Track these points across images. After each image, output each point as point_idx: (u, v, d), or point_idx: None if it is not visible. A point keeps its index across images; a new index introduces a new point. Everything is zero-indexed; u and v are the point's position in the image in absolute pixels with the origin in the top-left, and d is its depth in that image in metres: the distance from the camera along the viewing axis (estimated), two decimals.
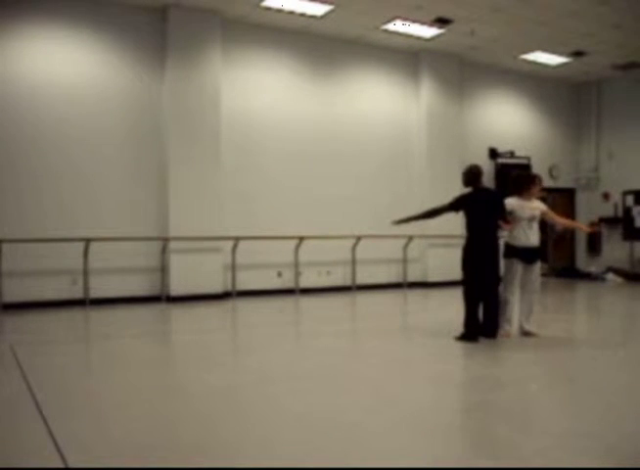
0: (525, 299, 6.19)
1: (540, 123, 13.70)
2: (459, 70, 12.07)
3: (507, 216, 6.05)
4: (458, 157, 11.71)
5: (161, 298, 9.29)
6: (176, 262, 9.31)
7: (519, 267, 6.09)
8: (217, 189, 9.63)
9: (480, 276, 5.99)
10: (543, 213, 6.28)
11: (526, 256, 6.09)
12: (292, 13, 9.62)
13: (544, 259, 14.39)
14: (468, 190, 6.23)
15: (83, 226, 8.79)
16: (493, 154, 12.76)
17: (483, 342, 5.90)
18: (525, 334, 6.18)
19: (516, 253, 6.08)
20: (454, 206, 6.14)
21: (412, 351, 5.76)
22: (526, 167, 12.54)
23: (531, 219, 6.10)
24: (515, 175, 6.41)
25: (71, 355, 5.57)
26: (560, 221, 6.62)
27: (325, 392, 4.16)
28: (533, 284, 6.19)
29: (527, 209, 6.11)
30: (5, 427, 3.44)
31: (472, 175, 6.13)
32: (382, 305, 9.44)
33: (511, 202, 6.12)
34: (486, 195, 6.13)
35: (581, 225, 6.73)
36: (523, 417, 3.66)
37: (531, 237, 6.10)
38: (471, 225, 6.06)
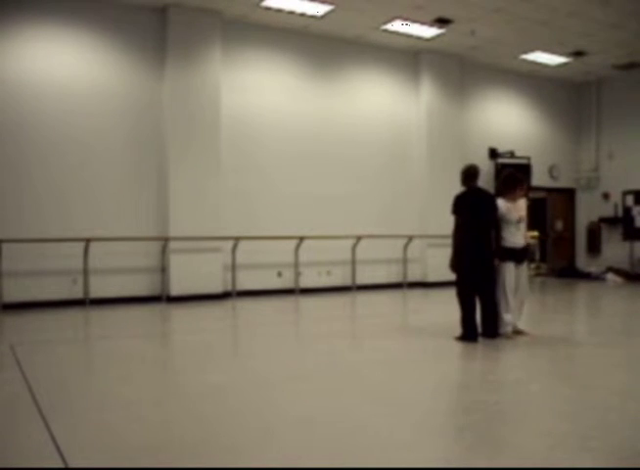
0: (517, 298, 6.20)
1: (540, 123, 13.71)
2: (459, 70, 12.07)
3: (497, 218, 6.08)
4: (458, 157, 11.70)
5: (161, 298, 9.30)
6: (176, 262, 9.31)
7: (512, 268, 6.11)
8: (217, 189, 9.63)
9: (472, 276, 6.00)
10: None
11: (516, 256, 6.13)
12: (292, 13, 9.62)
13: (543, 259, 14.43)
14: (462, 190, 6.26)
15: (83, 226, 8.80)
16: (493, 154, 12.76)
17: (483, 342, 5.90)
18: (518, 333, 6.19)
19: (508, 254, 6.09)
20: (454, 211, 6.15)
21: (412, 351, 5.76)
22: (526, 167, 12.54)
23: (519, 221, 6.16)
24: (506, 174, 6.39)
25: (71, 355, 5.57)
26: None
27: (324, 392, 4.16)
28: (523, 283, 6.22)
29: (515, 211, 6.14)
30: (5, 427, 3.44)
31: (464, 175, 6.19)
32: (382, 306, 9.44)
33: (500, 205, 6.12)
34: (477, 195, 6.12)
35: (529, 237, 6.81)
36: (522, 417, 3.65)
37: (519, 238, 6.16)
38: (460, 225, 6.06)
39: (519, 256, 6.15)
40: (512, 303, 6.10)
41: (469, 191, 6.13)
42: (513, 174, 6.37)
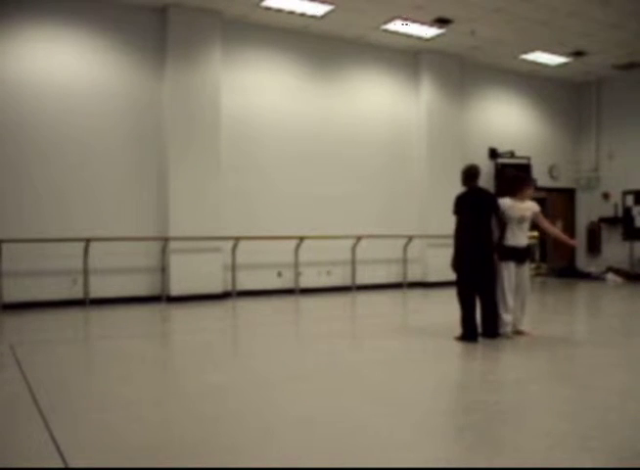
0: (518, 298, 6.19)
1: (540, 123, 13.71)
2: (459, 70, 12.07)
3: (501, 217, 6.07)
4: (458, 157, 11.70)
5: (161, 298, 9.30)
6: (176, 262, 9.31)
7: (511, 267, 6.10)
8: (217, 189, 9.63)
9: (472, 276, 6.00)
10: (535, 215, 6.30)
11: (516, 256, 6.10)
12: (292, 13, 9.62)
13: (543, 259, 14.42)
14: (463, 190, 6.25)
15: (83, 226, 8.80)
16: (493, 154, 12.76)
17: (483, 342, 5.90)
18: (518, 333, 6.19)
19: (507, 253, 6.08)
20: (455, 212, 6.15)
21: (412, 351, 5.76)
22: (527, 167, 12.55)
23: (521, 220, 6.13)
24: (510, 176, 6.44)
25: (71, 356, 5.57)
26: (547, 227, 6.54)
27: (324, 392, 4.16)
28: (525, 284, 6.20)
29: (518, 209, 6.11)
30: (5, 427, 3.44)
31: (464, 175, 6.19)
32: (382, 306, 9.44)
33: (503, 201, 6.12)
34: (478, 195, 6.13)
35: (565, 238, 6.78)
36: (522, 417, 3.65)
37: (520, 237, 6.14)
38: (461, 225, 6.06)
39: (520, 255, 6.14)
40: (511, 302, 6.09)
41: (470, 191, 6.14)
42: (518, 175, 6.39)
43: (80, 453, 2.99)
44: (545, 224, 6.48)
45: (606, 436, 3.23)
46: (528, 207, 6.23)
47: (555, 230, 6.73)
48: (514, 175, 6.42)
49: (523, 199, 6.18)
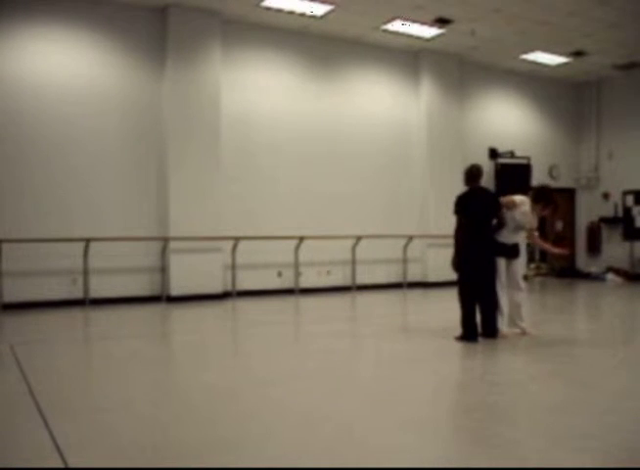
0: (510, 294, 6.23)
1: (540, 123, 13.71)
2: (459, 70, 12.07)
3: (501, 215, 6.10)
4: (458, 157, 11.71)
5: (161, 298, 9.30)
6: (176, 262, 9.31)
7: (501, 263, 6.16)
8: (217, 189, 9.63)
9: (472, 276, 6.00)
10: (530, 229, 6.34)
11: (503, 252, 6.16)
12: (292, 13, 9.62)
13: (543, 259, 14.41)
14: (465, 190, 6.25)
15: (83, 226, 8.80)
16: (493, 154, 12.76)
17: (483, 342, 5.90)
18: (522, 333, 6.21)
19: (498, 249, 6.14)
20: (456, 212, 6.15)
21: (412, 351, 5.76)
22: (526, 167, 12.55)
23: (519, 228, 6.20)
24: (550, 191, 6.34)
25: (71, 356, 5.57)
26: (534, 240, 6.56)
27: (325, 392, 4.16)
28: (514, 279, 6.25)
29: (526, 217, 6.13)
30: (5, 427, 3.45)
31: (466, 176, 6.19)
32: (382, 306, 9.44)
33: (522, 201, 6.13)
34: (479, 195, 6.12)
35: (549, 247, 6.82)
36: (522, 417, 3.66)
37: (511, 237, 6.19)
38: (462, 225, 6.06)
39: (507, 252, 6.19)
40: (503, 298, 6.16)
41: (471, 191, 6.13)
42: (554, 196, 6.30)
43: (80, 453, 2.99)
44: (532, 237, 6.51)
45: (606, 436, 3.22)
46: (529, 221, 6.24)
47: (542, 244, 6.80)
48: (553, 195, 6.32)
49: (535, 211, 6.21)
